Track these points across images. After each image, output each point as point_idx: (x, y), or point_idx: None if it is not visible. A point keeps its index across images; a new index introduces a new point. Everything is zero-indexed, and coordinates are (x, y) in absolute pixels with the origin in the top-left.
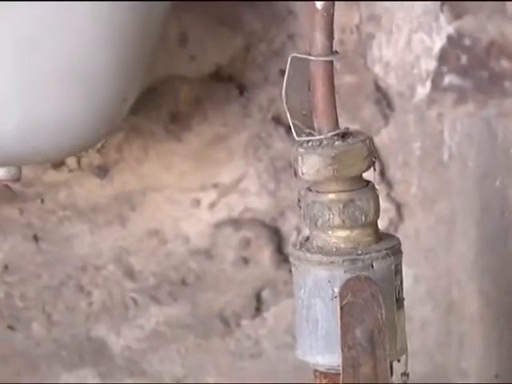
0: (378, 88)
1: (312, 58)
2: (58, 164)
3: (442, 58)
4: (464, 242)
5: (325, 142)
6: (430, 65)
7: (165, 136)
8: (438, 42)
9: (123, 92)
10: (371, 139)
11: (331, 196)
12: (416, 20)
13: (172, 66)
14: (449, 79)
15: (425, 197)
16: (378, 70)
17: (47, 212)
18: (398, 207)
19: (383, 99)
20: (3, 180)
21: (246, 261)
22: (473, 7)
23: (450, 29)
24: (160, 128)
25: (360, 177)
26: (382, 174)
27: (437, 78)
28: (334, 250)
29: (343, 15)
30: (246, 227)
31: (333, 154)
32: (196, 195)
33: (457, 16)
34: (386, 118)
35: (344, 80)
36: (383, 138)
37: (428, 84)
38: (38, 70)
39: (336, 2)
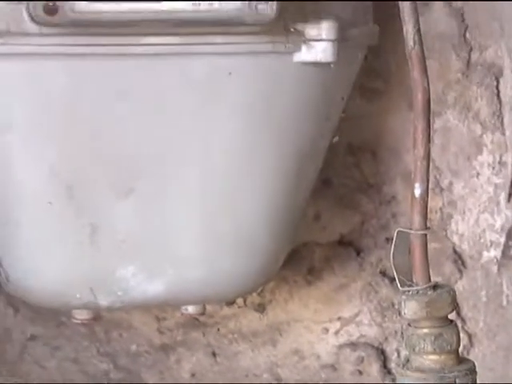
0: (455, 252)
1: (412, 231)
2: (231, 302)
3: (510, 234)
4: None
5: (421, 292)
6: (493, 237)
7: (304, 284)
8: (499, 221)
9: (277, 254)
10: (454, 291)
11: (425, 330)
12: (482, 205)
13: (309, 235)
14: None
15: (489, 330)
16: (455, 239)
17: (222, 335)
18: (470, 337)
19: (459, 260)
20: (193, 314)
21: (360, 373)
22: None
23: (507, 211)
24: (300, 278)
25: (446, 317)
26: (458, 313)
27: (506, 249)
28: (428, 369)
29: (431, 200)
30: (361, 348)
31: (426, 300)
32: (325, 325)
33: None
34: (460, 273)
35: (431, 246)
36: (459, 288)
37: (492, 250)
38: (218, 235)
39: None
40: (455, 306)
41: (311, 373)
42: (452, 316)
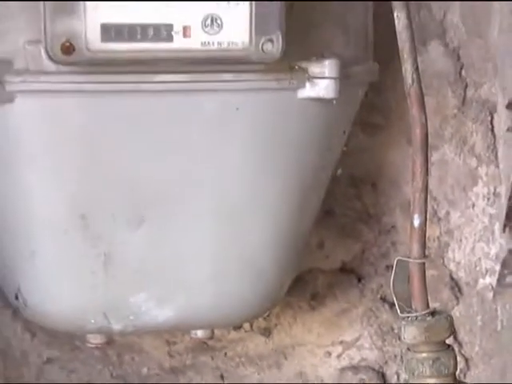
0: (452, 279)
1: (411, 260)
2: (238, 327)
3: (505, 263)
4: None
5: (420, 318)
6: (488, 264)
7: (308, 309)
8: (494, 249)
9: (282, 280)
10: (451, 316)
11: (424, 355)
12: (478, 234)
13: (313, 262)
14: (509, 279)
15: (484, 354)
16: (452, 266)
17: (229, 359)
18: (466, 361)
19: (455, 286)
20: (202, 338)
21: None
22: None
23: (501, 241)
24: (304, 303)
25: (444, 341)
26: (455, 337)
27: (501, 277)
28: None
29: (429, 229)
30: (362, 372)
31: (425, 326)
32: (328, 349)
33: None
34: (457, 299)
35: (429, 273)
36: (456, 313)
37: (487, 278)
38: (226, 263)
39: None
40: (452, 332)
41: None
42: (449, 340)
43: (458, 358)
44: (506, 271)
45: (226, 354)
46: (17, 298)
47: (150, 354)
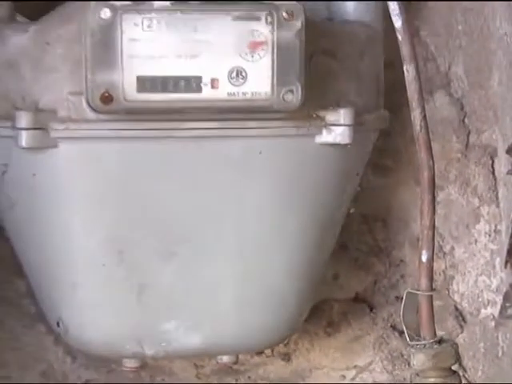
0: (456, 309)
1: (419, 293)
2: (260, 352)
3: (506, 297)
4: None
5: (427, 345)
6: (489, 296)
7: (324, 335)
8: (495, 282)
9: (301, 310)
10: (457, 344)
11: (431, 380)
12: (480, 268)
13: (328, 292)
14: (510, 311)
15: (487, 378)
16: (456, 297)
17: (252, 381)
18: None
19: (460, 316)
20: (227, 363)
21: None
22: None
23: (502, 274)
24: (321, 330)
25: (450, 367)
26: (460, 363)
27: (503, 310)
28: None
29: (435, 264)
30: None
31: (433, 353)
32: (343, 373)
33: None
34: (461, 328)
35: (435, 303)
36: (460, 340)
37: (489, 308)
38: (250, 294)
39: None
40: (458, 358)
41: None
42: (454, 366)
43: (463, 382)
44: (507, 304)
45: (249, 377)
46: (58, 325)
47: (179, 376)
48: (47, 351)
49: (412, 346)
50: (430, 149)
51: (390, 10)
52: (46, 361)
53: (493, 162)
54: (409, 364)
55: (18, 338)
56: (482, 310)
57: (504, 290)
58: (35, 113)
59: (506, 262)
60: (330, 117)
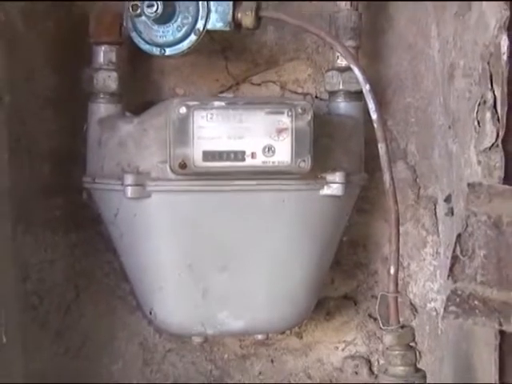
0: (411, 304)
1: (389, 294)
2: (282, 332)
3: (448, 298)
4: None
5: (394, 329)
6: (433, 295)
7: (324, 321)
8: (436, 286)
9: (310, 304)
10: (413, 328)
11: (396, 352)
12: (427, 277)
13: (327, 292)
14: (451, 308)
15: (430, 348)
16: (411, 296)
17: (277, 350)
18: (419, 353)
19: (413, 308)
20: (261, 339)
21: (356, 373)
22: None
23: (441, 281)
24: (322, 317)
25: (409, 344)
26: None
27: (446, 307)
28: (398, 376)
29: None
30: (357, 359)
31: (398, 334)
32: (336, 345)
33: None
34: (414, 316)
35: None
36: (413, 324)
37: (432, 303)
38: (278, 294)
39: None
40: (414, 338)
41: (328, 373)
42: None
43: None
44: (449, 303)
45: (276, 348)
46: (150, 313)
47: (229, 346)
48: (143, 329)
49: (384, 330)
50: (395, 198)
51: (369, 108)
52: (143, 335)
53: (435, 207)
54: (381, 341)
55: (125, 321)
56: (428, 304)
57: (447, 293)
58: (136, 175)
59: (448, 276)
60: (330, 177)
